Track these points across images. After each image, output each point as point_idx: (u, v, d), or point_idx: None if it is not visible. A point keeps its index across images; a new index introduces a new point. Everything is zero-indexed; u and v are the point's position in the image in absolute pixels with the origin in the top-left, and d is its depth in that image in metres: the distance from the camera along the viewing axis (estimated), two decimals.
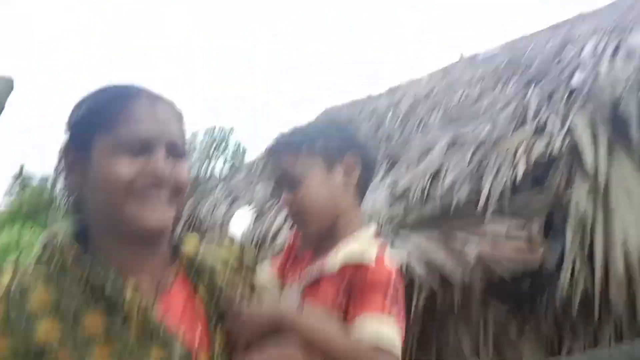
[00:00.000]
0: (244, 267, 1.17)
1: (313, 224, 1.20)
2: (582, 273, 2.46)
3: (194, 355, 0.93)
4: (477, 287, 2.76)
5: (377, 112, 5.86)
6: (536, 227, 2.64)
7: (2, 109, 4.68)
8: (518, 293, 2.78)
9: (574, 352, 2.60)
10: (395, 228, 2.98)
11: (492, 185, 2.88)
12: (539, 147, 2.89)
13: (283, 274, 1.27)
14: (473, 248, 2.59)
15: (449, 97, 4.71)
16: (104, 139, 0.95)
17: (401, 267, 2.75)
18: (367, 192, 3.74)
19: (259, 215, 4.42)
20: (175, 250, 1.05)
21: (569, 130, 2.88)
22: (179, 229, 1.07)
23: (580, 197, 2.58)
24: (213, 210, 5.85)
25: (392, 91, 6.83)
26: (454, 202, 3.01)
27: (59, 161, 1.01)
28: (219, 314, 1.00)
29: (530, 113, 3.36)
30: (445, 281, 2.78)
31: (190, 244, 1.08)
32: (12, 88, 4.13)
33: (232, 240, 1.22)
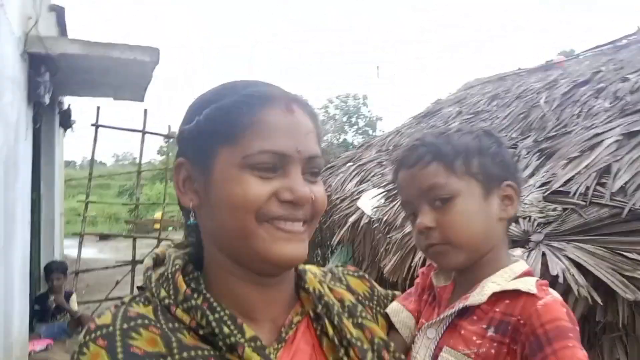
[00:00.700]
0: (376, 305, 1.02)
1: (459, 256, 0.96)
2: None
3: None
4: None
5: (528, 92, 5.29)
6: None
7: (151, 76, 5.00)
8: None
9: None
10: (548, 235, 2.62)
11: None
12: None
13: (418, 315, 1.04)
14: None
15: (619, 81, 4.06)
16: (229, 151, 0.78)
17: (554, 278, 2.45)
18: None
19: (388, 200, 4.25)
20: (297, 286, 0.89)
21: None
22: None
23: None
24: (342, 185, 5.81)
25: (545, 68, 6.16)
26: (627, 209, 2.58)
27: (175, 174, 0.85)
28: None
29: None
30: (607, 297, 2.44)
31: (314, 281, 0.90)
32: (158, 58, 4.37)
33: (357, 271, 1.05)
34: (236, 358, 0.75)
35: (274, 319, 0.84)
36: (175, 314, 0.77)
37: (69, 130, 8.27)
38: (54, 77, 4.29)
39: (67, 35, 7.45)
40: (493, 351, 0.87)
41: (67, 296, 6.12)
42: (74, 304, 6.11)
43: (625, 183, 2.69)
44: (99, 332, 0.74)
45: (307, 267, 0.95)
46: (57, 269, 6.28)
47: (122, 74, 4.79)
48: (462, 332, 0.92)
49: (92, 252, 11.49)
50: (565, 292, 2.48)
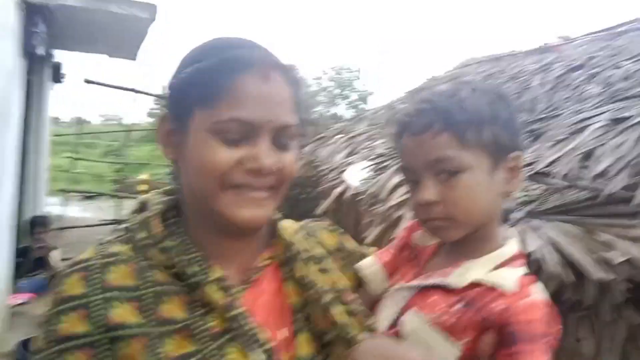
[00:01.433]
0: (345, 257, 1.06)
1: (460, 231, 0.93)
2: None
3: None
4: (615, 288, 2.48)
5: (523, 73, 5.33)
6: None
7: (146, 33, 4.96)
8: None
9: None
10: (529, 213, 2.70)
11: None
12: None
13: (392, 271, 1.04)
14: (618, 255, 2.26)
15: (612, 68, 4.11)
16: (204, 114, 0.80)
17: (529, 254, 2.54)
18: None
19: (375, 172, 4.31)
20: (271, 234, 0.94)
21: None
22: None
23: None
24: (331, 157, 5.86)
25: (542, 50, 6.18)
26: (605, 192, 2.66)
27: (160, 126, 0.87)
28: (306, 317, 0.88)
29: None
30: (578, 276, 2.53)
31: (287, 229, 0.96)
32: (155, 15, 4.33)
33: (332, 224, 1.09)
34: (201, 296, 0.81)
35: (245, 263, 0.89)
36: (152, 254, 0.83)
37: (57, 85, 8.17)
38: (49, 29, 4.23)
39: None
40: (455, 321, 0.88)
41: (48, 250, 6.15)
42: (56, 260, 6.14)
43: (607, 167, 2.77)
44: (79, 265, 0.80)
45: (285, 220, 1.00)
46: (41, 223, 6.30)
47: (118, 29, 4.73)
48: (430, 300, 0.93)
49: (75, 210, 11.45)
50: (538, 269, 2.58)
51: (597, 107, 3.42)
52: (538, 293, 0.90)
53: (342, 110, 30.26)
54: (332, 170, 5.47)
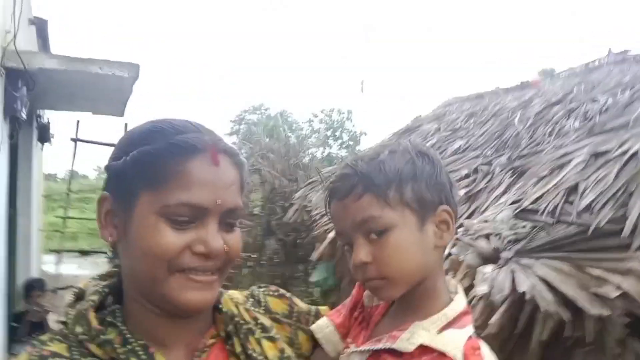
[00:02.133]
0: (297, 321, 1.03)
1: (397, 290, 0.92)
2: None
3: None
4: (616, 322, 2.44)
5: (504, 110, 5.41)
6: None
7: (130, 91, 5.01)
8: None
9: None
10: (518, 252, 2.68)
11: None
12: None
13: (345, 332, 1.02)
14: (612, 289, 2.24)
15: (590, 102, 4.18)
16: (150, 197, 0.78)
17: (524, 293, 2.51)
18: (485, 208, 3.42)
19: None
20: (214, 309, 0.91)
21: None
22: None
23: None
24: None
25: (522, 87, 6.31)
26: (592, 227, 2.65)
27: (98, 206, 0.85)
28: None
29: None
30: (576, 312, 2.49)
31: (229, 303, 0.92)
32: (138, 74, 4.39)
33: (277, 290, 1.06)
34: None
35: (189, 344, 0.86)
36: (90, 349, 0.79)
37: (51, 144, 8.19)
38: (31, 92, 4.27)
39: (49, 47, 7.42)
40: None
41: (45, 313, 6.02)
42: (54, 323, 6.00)
43: (591, 202, 2.77)
44: None
45: (229, 292, 0.98)
46: (36, 286, 6.19)
47: (101, 88, 4.79)
48: None
49: (71, 267, 11.30)
50: (534, 308, 2.54)
51: (577, 142, 3.46)
52: (486, 357, 0.87)
53: (335, 151, 30.45)
54: (324, 215, 5.45)
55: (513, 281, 2.53)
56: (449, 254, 3.11)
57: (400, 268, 0.90)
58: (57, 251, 6.93)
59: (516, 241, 2.81)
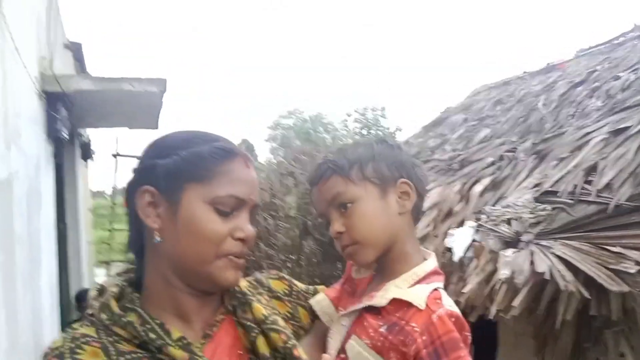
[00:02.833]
0: (296, 298, 1.17)
1: (369, 253, 1.08)
2: None
3: None
4: (638, 297, 2.45)
5: (529, 95, 5.37)
6: None
7: (161, 105, 5.25)
8: None
9: None
10: (539, 234, 2.71)
11: None
12: None
13: (339, 303, 1.16)
14: (631, 265, 2.26)
15: (612, 79, 4.12)
16: (197, 189, 0.95)
17: (544, 274, 2.54)
18: (510, 194, 3.46)
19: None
20: (225, 294, 1.06)
21: None
22: None
23: None
24: None
25: (547, 70, 6.22)
26: (612, 205, 2.66)
27: (128, 196, 1.00)
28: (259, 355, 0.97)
29: None
30: (600, 291, 2.51)
31: (239, 292, 1.07)
32: (165, 88, 4.62)
33: (277, 274, 1.21)
34: (165, 356, 0.91)
35: (205, 320, 1.00)
36: (115, 330, 0.93)
37: (95, 161, 8.59)
38: (70, 113, 4.55)
39: (85, 69, 7.79)
40: (380, 345, 1.00)
41: None
42: None
43: (611, 180, 2.77)
44: (51, 353, 0.90)
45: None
46: (86, 296, 6.54)
47: (134, 104, 5.03)
48: (365, 323, 1.04)
49: None
50: (557, 289, 2.56)
51: (598, 121, 3.44)
52: (446, 304, 1.01)
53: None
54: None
55: (532, 263, 2.56)
56: (473, 240, 3.17)
57: (368, 232, 1.07)
58: (107, 262, 7.27)
59: (537, 224, 2.84)
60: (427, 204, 3.99)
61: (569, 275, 2.46)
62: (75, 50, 6.92)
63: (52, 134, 4.40)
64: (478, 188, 3.77)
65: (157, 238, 0.96)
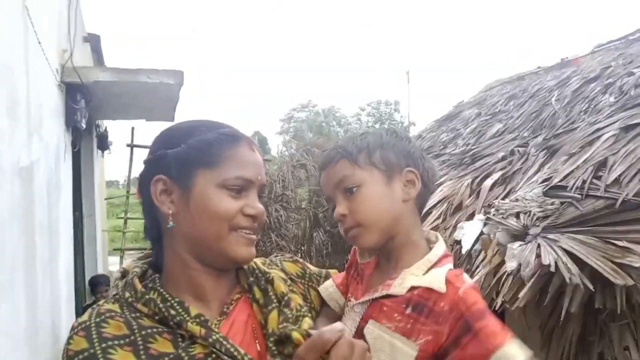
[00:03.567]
0: (308, 281, 1.22)
1: (371, 236, 1.11)
2: None
3: None
4: None
5: (542, 91, 5.37)
6: None
7: (178, 97, 5.34)
8: None
9: None
10: (546, 228, 2.75)
11: None
12: None
13: (345, 290, 1.20)
14: (637, 259, 2.29)
15: (626, 75, 4.12)
16: (207, 174, 1.02)
17: (550, 266, 2.57)
18: (519, 188, 3.49)
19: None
20: (239, 273, 1.13)
21: None
22: None
23: None
24: None
25: (561, 65, 6.21)
26: (620, 200, 2.68)
27: (142, 186, 1.07)
28: (275, 335, 1.01)
29: None
30: (605, 285, 2.54)
31: (252, 269, 1.13)
32: (182, 80, 4.70)
33: (292, 257, 1.26)
34: (184, 331, 0.98)
35: (222, 299, 1.07)
36: (137, 307, 1.01)
37: (109, 151, 8.75)
38: (89, 103, 4.66)
39: (104, 61, 7.92)
40: (409, 326, 1.03)
41: None
42: None
43: (620, 175, 2.80)
44: (79, 327, 0.97)
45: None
46: (101, 282, 6.69)
47: (151, 96, 5.13)
48: (385, 308, 1.07)
49: None
50: (563, 282, 2.60)
51: (610, 117, 3.45)
52: (466, 280, 1.05)
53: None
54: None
55: (539, 256, 2.60)
56: (481, 233, 3.21)
57: (370, 215, 1.10)
58: (120, 250, 7.42)
59: (545, 218, 2.87)
60: (437, 197, 4.04)
61: (574, 268, 2.50)
62: (94, 42, 7.04)
63: (71, 125, 4.52)
64: (488, 182, 3.80)
65: (171, 223, 1.04)
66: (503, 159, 4.22)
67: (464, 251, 3.32)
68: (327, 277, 1.26)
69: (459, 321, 1.00)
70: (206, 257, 1.04)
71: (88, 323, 0.98)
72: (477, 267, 3.10)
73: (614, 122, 3.30)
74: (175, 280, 1.06)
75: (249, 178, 1.04)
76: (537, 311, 3.07)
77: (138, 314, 1.00)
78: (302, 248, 7.72)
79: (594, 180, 2.90)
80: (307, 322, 1.03)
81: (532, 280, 2.61)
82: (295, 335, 0.97)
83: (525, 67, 7.24)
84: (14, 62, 2.92)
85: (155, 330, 0.98)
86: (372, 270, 1.18)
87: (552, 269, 2.47)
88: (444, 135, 6.39)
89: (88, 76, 4.48)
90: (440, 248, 1.13)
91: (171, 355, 0.95)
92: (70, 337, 0.97)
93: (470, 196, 3.89)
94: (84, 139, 5.71)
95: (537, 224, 2.86)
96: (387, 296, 1.08)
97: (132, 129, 7.21)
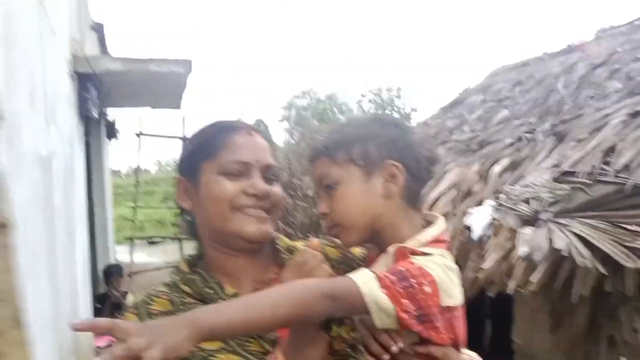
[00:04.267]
0: (347, 269, 1.22)
1: (351, 235, 1.09)
2: None
3: None
4: None
5: (548, 77, 5.40)
6: None
7: (185, 85, 5.38)
8: None
9: None
10: (557, 213, 2.81)
11: None
12: None
13: None
14: None
15: (632, 61, 4.15)
16: (210, 165, 1.10)
17: (562, 251, 2.64)
18: (528, 174, 3.53)
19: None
20: (276, 254, 1.18)
21: None
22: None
23: None
24: None
25: (567, 51, 6.22)
26: (629, 184, 2.75)
27: (177, 188, 1.17)
28: None
29: None
30: (615, 268, 2.61)
31: (286, 241, 1.21)
32: (191, 69, 4.75)
33: (334, 241, 1.25)
34: None
35: (256, 280, 1.13)
36: (182, 288, 1.11)
37: (113, 140, 8.78)
38: (99, 93, 4.71)
39: (107, 50, 7.94)
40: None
41: (123, 296, 6.59)
42: (130, 304, 6.54)
43: (629, 160, 2.85)
44: (132, 305, 1.10)
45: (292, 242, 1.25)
46: (115, 272, 6.79)
47: (160, 85, 5.18)
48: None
49: (141, 256, 12.00)
50: (574, 266, 2.67)
51: (617, 103, 3.50)
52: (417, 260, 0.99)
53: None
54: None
55: (551, 240, 2.67)
56: (492, 219, 3.27)
57: (346, 215, 1.08)
58: (131, 239, 7.49)
59: (555, 203, 2.93)
60: (446, 184, 4.10)
61: (586, 252, 2.56)
62: (99, 31, 7.06)
63: (83, 114, 4.58)
64: (497, 168, 3.85)
65: (187, 217, 1.16)
66: (511, 145, 4.27)
67: (474, 236, 3.38)
68: (366, 259, 1.25)
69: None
70: (223, 239, 1.12)
71: (138, 304, 1.11)
72: (488, 252, 3.17)
73: (621, 109, 3.35)
74: (212, 264, 1.15)
75: (246, 161, 1.09)
76: (546, 295, 3.14)
77: (183, 295, 1.10)
78: (309, 235, 7.80)
79: (603, 166, 2.96)
80: None
81: (544, 264, 2.68)
82: None
83: (528, 54, 7.25)
84: (33, 51, 2.96)
85: (195, 307, 1.05)
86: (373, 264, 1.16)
87: (565, 253, 2.53)
88: (450, 122, 6.41)
89: (99, 65, 4.53)
90: (434, 230, 1.08)
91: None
92: (123, 315, 1.10)
93: (478, 182, 3.95)
94: (94, 128, 5.77)
95: (548, 209, 2.92)
96: None
97: (140, 118, 7.26)
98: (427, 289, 0.94)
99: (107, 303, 6.40)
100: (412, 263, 0.97)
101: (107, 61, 4.80)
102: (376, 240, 1.10)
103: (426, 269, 0.95)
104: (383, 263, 1.06)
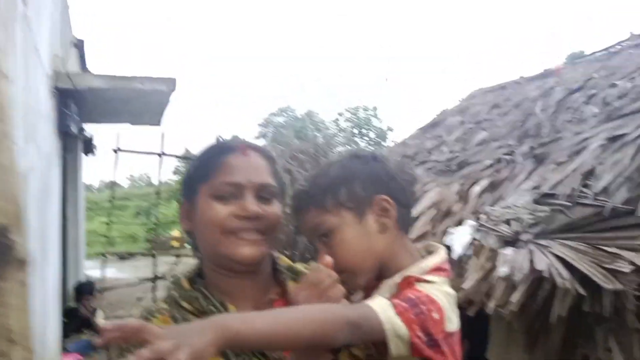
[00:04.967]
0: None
1: (359, 282, 1.07)
2: None
3: None
4: (632, 298, 2.59)
5: (526, 100, 5.53)
6: None
7: (168, 103, 5.34)
8: None
9: None
10: (537, 234, 2.85)
11: None
12: None
13: None
14: (626, 265, 2.40)
15: (609, 87, 4.28)
16: (204, 187, 1.10)
17: (543, 271, 2.67)
18: (508, 195, 3.58)
19: None
20: (277, 275, 1.18)
21: None
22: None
23: None
24: None
25: (544, 75, 6.39)
26: (608, 208, 2.81)
27: (180, 210, 1.18)
28: None
29: None
30: (594, 289, 2.65)
31: (286, 260, 1.21)
32: (175, 87, 4.72)
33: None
34: None
35: (256, 301, 1.12)
36: (182, 305, 1.09)
37: (94, 156, 8.64)
38: (80, 109, 4.64)
39: (86, 66, 7.85)
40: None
41: (93, 313, 6.42)
42: (101, 320, 6.38)
43: (608, 184, 2.92)
44: None
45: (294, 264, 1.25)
46: (87, 289, 6.62)
47: (142, 102, 5.14)
48: None
49: (112, 271, 11.76)
50: (553, 286, 2.71)
51: (595, 127, 3.59)
52: (424, 289, 0.99)
53: (363, 148, 30.53)
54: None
55: (531, 261, 2.70)
56: (473, 239, 3.30)
57: (351, 260, 1.05)
58: (103, 255, 7.33)
59: (535, 224, 2.98)
60: (425, 203, 4.13)
61: (565, 274, 2.60)
62: (79, 47, 6.99)
63: (62, 130, 4.50)
64: (476, 189, 3.90)
65: (188, 237, 1.16)
66: (490, 166, 4.34)
67: (454, 256, 3.40)
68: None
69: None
70: (218, 262, 1.11)
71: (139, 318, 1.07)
72: (468, 272, 3.20)
73: (599, 133, 3.43)
74: (211, 284, 1.14)
75: (237, 181, 1.08)
76: (523, 315, 3.17)
77: (183, 312, 1.09)
78: (286, 252, 7.75)
79: (583, 189, 3.02)
80: None
81: (524, 285, 2.71)
82: None
83: (506, 76, 7.41)
84: (13, 69, 2.91)
85: None
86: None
87: (546, 274, 2.57)
88: (429, 143, 6.49)
89: (81, 82, 4.47)
90: (434, 259, 1.07)
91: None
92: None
93: (458, 202, 3.99)
94: (71, 143, 5.67)
95: (528, 231, 2.97)
96: None
97: (118, 134, 7.14)
98: (436, 315, 0.95)
99: (74, 318, 6.22)
100: (419, 291, 0.98)
101: (90, 78, 4.74)
102: (380, 272, 1.09)
103: (433, 297, 0.97)
104: (386, 290, 1.05)
